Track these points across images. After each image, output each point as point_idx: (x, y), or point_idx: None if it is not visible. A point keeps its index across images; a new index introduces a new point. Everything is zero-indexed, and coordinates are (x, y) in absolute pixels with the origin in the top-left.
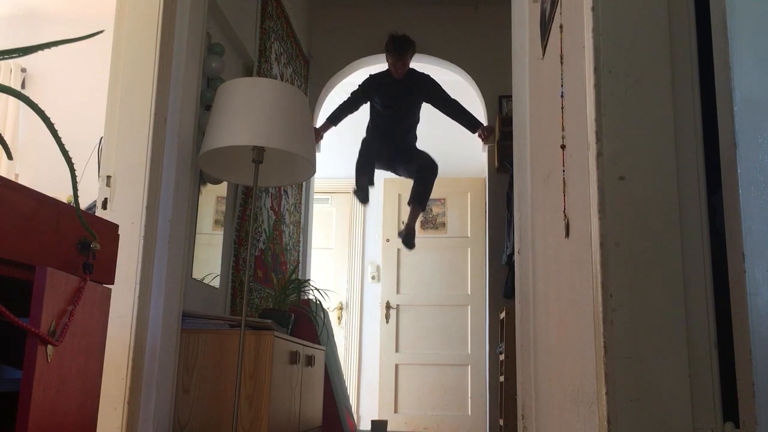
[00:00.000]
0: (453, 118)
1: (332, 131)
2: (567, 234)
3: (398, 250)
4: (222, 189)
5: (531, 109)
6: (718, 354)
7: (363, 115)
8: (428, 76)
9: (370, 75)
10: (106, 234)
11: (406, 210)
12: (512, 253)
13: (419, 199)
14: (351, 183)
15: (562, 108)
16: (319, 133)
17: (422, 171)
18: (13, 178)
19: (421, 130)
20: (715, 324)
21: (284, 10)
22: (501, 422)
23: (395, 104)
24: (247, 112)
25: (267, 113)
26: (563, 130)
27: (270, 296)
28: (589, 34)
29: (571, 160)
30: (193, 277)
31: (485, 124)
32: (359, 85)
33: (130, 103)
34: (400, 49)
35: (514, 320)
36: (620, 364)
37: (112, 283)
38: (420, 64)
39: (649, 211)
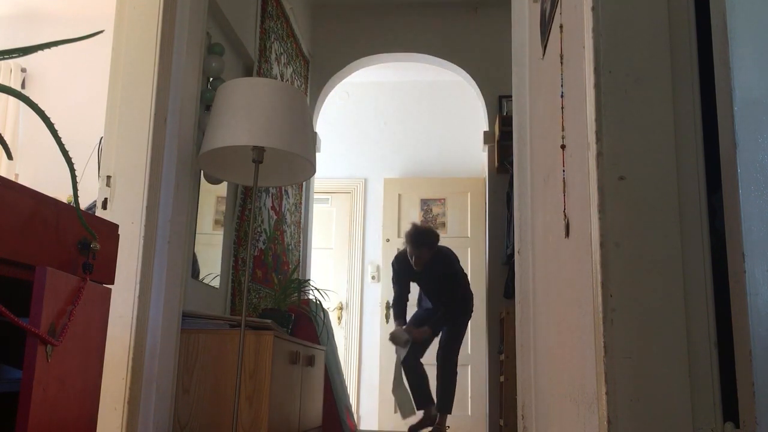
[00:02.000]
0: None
1: (332, 131)
2: (567, 234)
3: (398, 250)
4: (222, 189)
5: (531, 109)
6: (718, 354)
7: (363, 115)
8: (442, 253)
9: (396, 257)
10: (106, 234)
11: (406, 210)
12: (512, 253)
13: (448, 405)
14: (351, 183)
15: (562, 108)
16: (413, 335)
17: (445, 367)
18: (13, 178)
19: (421, 129)
20: (715, 324)
21: (284, 10)
22: (501, 422)
23: (426, 287)
24: (247, 112)
25: (267, 113)
26: (563, 130)
27: (270, 296)
28: (589, 34)
29: (571, 160)
30: (193, 277)
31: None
32: (393, 270)
33: (130, 103)
34: (415, 242)
35: (514, 320)
36: (620, 364)
37: (112, 283)
38: (420, 64)
39: (649, 211)
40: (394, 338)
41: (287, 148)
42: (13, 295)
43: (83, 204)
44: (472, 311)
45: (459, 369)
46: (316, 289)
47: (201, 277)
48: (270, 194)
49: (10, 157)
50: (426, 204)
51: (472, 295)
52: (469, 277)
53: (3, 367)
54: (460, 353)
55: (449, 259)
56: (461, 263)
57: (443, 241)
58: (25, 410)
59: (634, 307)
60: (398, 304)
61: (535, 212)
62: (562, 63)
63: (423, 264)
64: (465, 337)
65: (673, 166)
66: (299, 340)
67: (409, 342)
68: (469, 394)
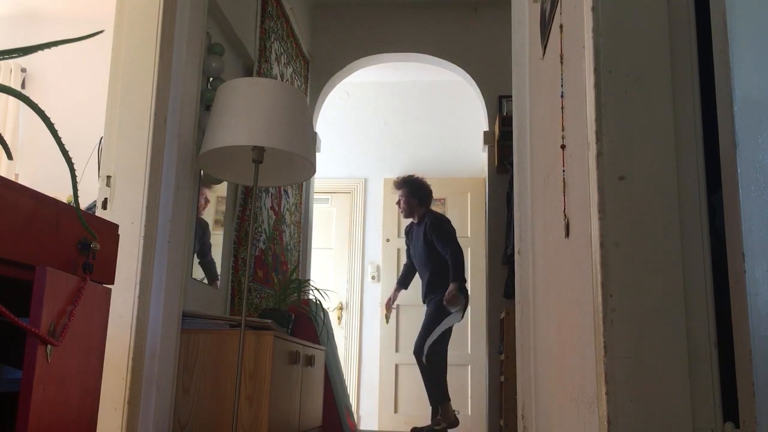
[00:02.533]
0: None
1: (332, 131)
2: (567, 234)
3: (398, 249)
4: (222, 189)
5: (531, 109)
6: (718, 354)
7: (363, 115)
8: (433, 215)
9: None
10: (106, 234)
11: None
12: (512, 253)
13: (442, 395)
14: (351, 183)
15: (562, 108)
16: (389, 305)
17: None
18: (13, 178)
19: (421, 129)
20: (715, 324)
21: (284, 10)
22: (501, 422)
23: (413, 249)
24: (247, 112)
25: (267, 113)
26: (563, 130)
27: (270, 296)
28: (589, 34)
29: (571, 160)
30: (193, 277)
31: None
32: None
33: (130, 103)
34: (398, 184)
35: (514, 320)
36: (620, 364)
37: (112, 283)
38: (420, 64)
39: (649, 211)
40: (452, 301)
41: (287, 148)
42: (13, 295)
43: (83, 204)
44: (465, 308)
45: (459, 369)
46: (316, 289)
47: (201, 277)
48: (269, 194)
49: (10, 157)
50: None
51: (467, 291)
52: (468, 277)
53: (3, 367)
54: (460, 353)
55: (440, 219)
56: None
57: None
58: (25, 410)
59: (634, 307)
60: (402, 272)
61: (535, 212)
62: (562, 63)
63: (404, 208)
64: (465, 337)
65: (673, 166)
66: (299, 340)
67: (464, 302)
68: (469, 394)
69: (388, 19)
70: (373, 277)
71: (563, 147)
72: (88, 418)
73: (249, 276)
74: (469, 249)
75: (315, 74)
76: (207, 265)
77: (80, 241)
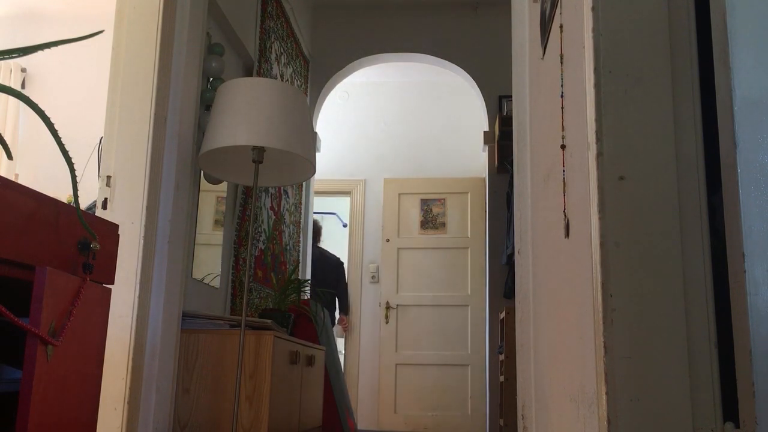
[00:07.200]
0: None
1: (332, 131)
2: (567, 234)
3: (398, 250)
4: (222, 189)
5: (531, 109)
6: (718, 354)
7: (363, 115)
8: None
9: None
10: (106, 234)
11: (406, 210)
12: (512, 253)
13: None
14: (351, 183)
15: (562, 108)
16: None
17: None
18: (13, 178)
19: (421, 129)
20: (715, 324)
21: (284, 10)
22: (501, 422)
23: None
24: (247, 112)
25: (267, 113)
26: (563, 130)
27: (270, 296)
28: (589, 34)
29: (571, 160)
30: (193, 277)
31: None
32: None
33: (130, 103)
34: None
35: (514, 320)
36: (620, 364)
37: (112, 283)
38: (420, 64)
39: (649, 211)
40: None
41: (287, 148)
42: (13, 295)
43: (83, 204)
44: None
45: (459, 369)
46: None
47: (201, 277)
48: (269, 194)
49: (10, 157)
50: (426, 204)
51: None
52: (468, 277)
53: (3, 367)
54: (460, 353)
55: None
56: (460, 263)
57: (442, 241)
58: (25, 410)
59: (634, 307)
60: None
61: (535, 212)
62: (562, 63)
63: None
64: (465, 337)
65: (673, 166)
66: (299, 340)
67: None
68: (469, 394)
69: (388, 19)
70: (372, 278)
71: (563, 147)
72: (88, 418)
73: (249, 276)
74: (469, 249)
75: (315, 74)
76: None
77: (80, 241)
